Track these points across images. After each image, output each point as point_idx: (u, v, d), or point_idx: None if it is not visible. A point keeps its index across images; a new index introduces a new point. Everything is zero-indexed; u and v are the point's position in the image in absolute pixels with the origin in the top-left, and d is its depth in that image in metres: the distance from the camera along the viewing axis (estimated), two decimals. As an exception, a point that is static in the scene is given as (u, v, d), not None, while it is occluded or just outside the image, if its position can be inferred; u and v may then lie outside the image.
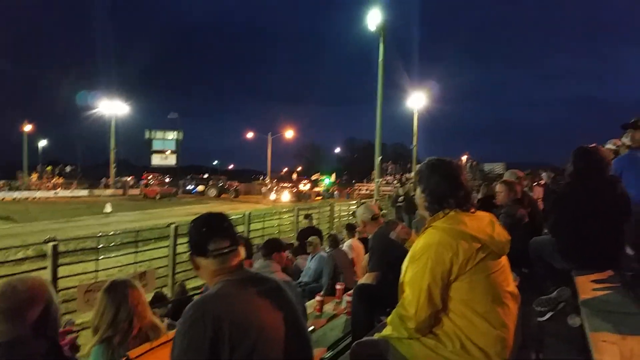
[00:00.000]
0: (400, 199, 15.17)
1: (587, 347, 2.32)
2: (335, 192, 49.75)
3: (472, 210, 2.15)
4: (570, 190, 3.79)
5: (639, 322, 2.47)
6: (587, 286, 3.19)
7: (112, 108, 54.27)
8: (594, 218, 3.49)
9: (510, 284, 2.11)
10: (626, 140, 5.09)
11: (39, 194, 43.34)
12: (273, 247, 4.63)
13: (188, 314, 1.70)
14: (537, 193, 9.90)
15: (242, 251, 1.93)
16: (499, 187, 5.17)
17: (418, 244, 2.09)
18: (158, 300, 6.50)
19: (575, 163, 3.77)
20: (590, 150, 3.75)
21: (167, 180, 56.40)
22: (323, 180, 56.86)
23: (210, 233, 1.87)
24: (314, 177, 58.64)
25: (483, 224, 2.10)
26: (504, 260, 2.12)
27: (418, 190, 2.29)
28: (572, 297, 3.50)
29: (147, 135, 65.71)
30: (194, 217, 1.98)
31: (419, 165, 2.39)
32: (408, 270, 2.09)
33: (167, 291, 8.92)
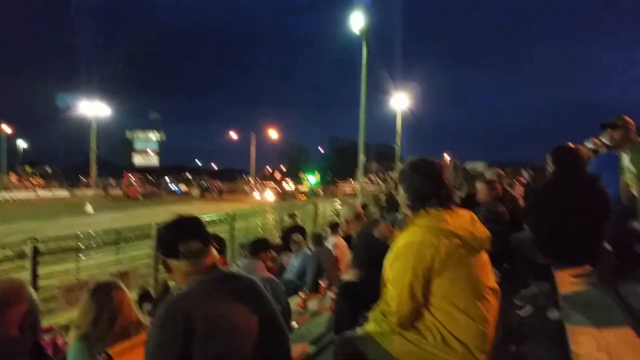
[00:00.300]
0: (382, 197, 15.19)
1: (565, 339, 2.37)
2: (320, 191, 49.82)
3: (453, 207, 2.19)
4: (551, 187, 3.85)
5: (615, 315, 2.53)
6: (567, 281, 3.25)
7: (92, 109, 53.60)
8: (574, 215, 3.54)
9: (491, 279, 2.14)
10: (605, 139, 5.17)
11: (18, 195, 42.62)
12: (261, 246, 4.64)
13: (160, 312, 1.72)
14: (518, 191, 10.01)
15: (214, 251, 1.93)
16: (479, 186, 5.21)
17: (400, 242, 2.11)
18: (144, 297, 6.44)
19: (556, 161, 3.83)
20: (571, 149, 3.82)
21: (150, 179, 55.82)
22: (306, 178, 56.86)
23: (181, 235, 1.87)
24: (301, 176, 58.66)
25: (464, 221, 2.13)
26: (485, 256, 2.15)
27: (401, 190, 2.30)
28: (552, 292, 3.56)
29: (127, 135, 65.08)
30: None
31: (401, 165, 2.42)
32: (391, 267, 2.11)
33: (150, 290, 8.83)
